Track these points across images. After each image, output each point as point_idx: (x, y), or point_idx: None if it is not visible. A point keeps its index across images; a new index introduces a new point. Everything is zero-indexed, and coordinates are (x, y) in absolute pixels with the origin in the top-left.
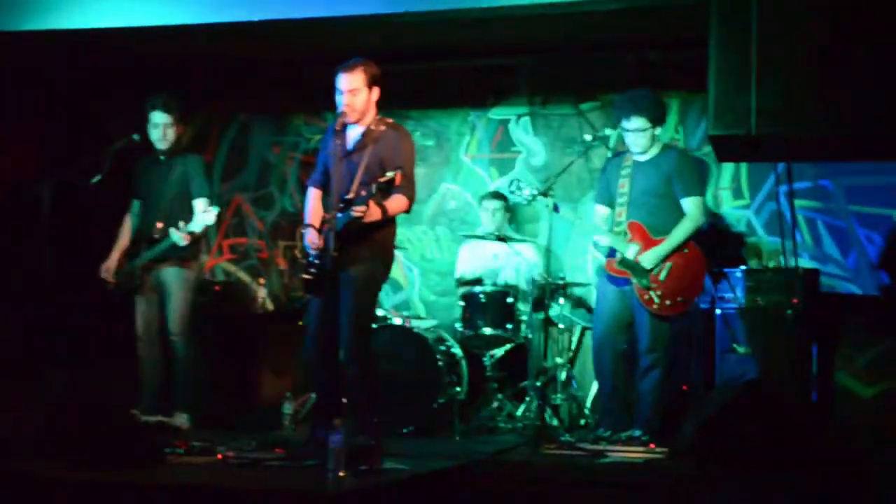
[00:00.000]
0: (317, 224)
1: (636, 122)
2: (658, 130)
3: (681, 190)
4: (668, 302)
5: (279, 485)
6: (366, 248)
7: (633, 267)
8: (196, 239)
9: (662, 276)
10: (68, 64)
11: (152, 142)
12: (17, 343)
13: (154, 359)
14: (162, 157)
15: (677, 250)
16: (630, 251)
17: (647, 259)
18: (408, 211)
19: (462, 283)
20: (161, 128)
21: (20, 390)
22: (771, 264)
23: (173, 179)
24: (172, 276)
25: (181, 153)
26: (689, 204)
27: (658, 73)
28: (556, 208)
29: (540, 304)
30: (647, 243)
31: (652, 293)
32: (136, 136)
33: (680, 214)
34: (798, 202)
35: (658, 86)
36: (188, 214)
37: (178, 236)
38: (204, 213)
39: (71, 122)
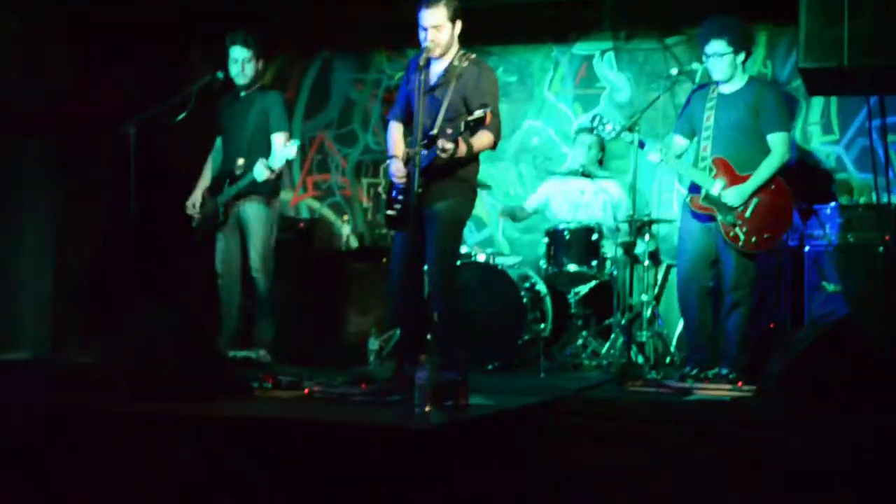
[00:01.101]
0: (400, 156)
1: (715, 46)
2: (740, 57)
3: (767, 124)
4: (753, 239)
5: (366, 419)
6: (450, 184)
7: (718, 203)
8: (277, 174)
9: (748, 212)
10: (149, 4)
11: (231, 77)
12: (105, 279)
13: (235, 294)
14: (242, 94)
15: (763, 186)
16: (715, 187)
17: (733, 195)
18: (494, 147)
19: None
20: (240, 63)
21: (108, 326)
22: (862, 200)
23: (252, 115)
24: (253, 212)
25: (261, 89)
26: (776, 139)
27: (746, 4)
28: (641, 144)
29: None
30: (733, 179)
31: (738, 230)
32: (219, 74)
33: (766, 149)
34: (891, 137)
35: (745, 18)
36: (269, 150)
37: (260, 171)
38: (284, 148)
39: (158, 62)
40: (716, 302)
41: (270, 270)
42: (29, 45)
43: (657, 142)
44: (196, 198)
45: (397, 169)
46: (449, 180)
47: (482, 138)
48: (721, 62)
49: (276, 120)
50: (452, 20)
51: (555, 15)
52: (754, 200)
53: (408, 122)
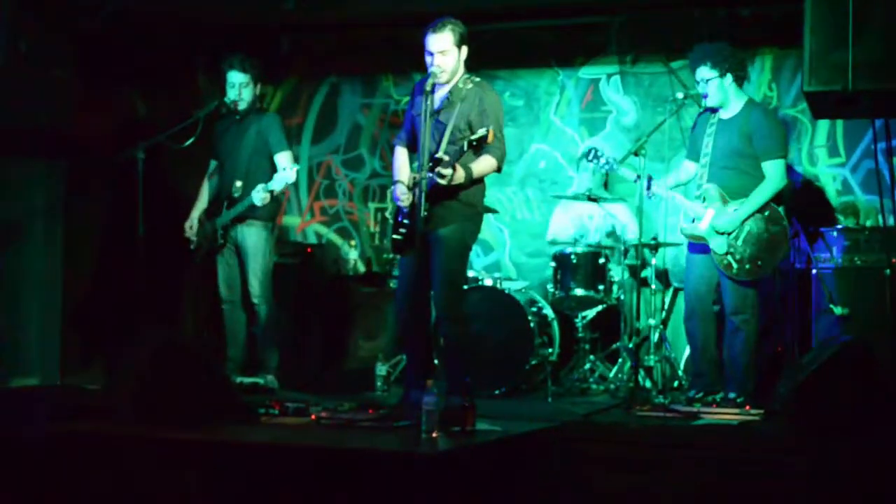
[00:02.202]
0: (405, 181)
1: (701, 72)
2: (728, 80)
3: (762, 151)
4: (747, 266)
5: (373, 445)
6: (455, 209)
7: (708, 234)
8: (276, 198)
9: (740, 240)
10: (159, 29)
11: (229, 102)
12: (113, 305)
13: (240, 319)
14: (238, 117)
15: (755, 213)
16: (706, 218)
17: (724, 222)
18: (498, 170)
19: (555, 245)
20: (237, 87)
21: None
22: (868, 223)
23: (250, 138)
24: (251, 237)
25: (258, 112)
26: (770, 166)
27: (750, 29)
28: (648, 184)
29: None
30: (725, 206)
31: (730, 258)
32: (227, 100)
33: (760, 175)
34: None
35: (750, 42)
36: (266, 173)
37: (259, 195)
38: (283, 172)
39: (166, 87)
40: (720, 327)
41: (270, 296)
42: (37, 68)
43: (663, 164)
44: (193, 220)
45: (402, 193)
46: (454, 204)
47: (483, 163)
48: (709, 87)
49: (277, 141)
50: (458, 45)
51: (560, 39)
52: (746, 228)
53: (413, 147)
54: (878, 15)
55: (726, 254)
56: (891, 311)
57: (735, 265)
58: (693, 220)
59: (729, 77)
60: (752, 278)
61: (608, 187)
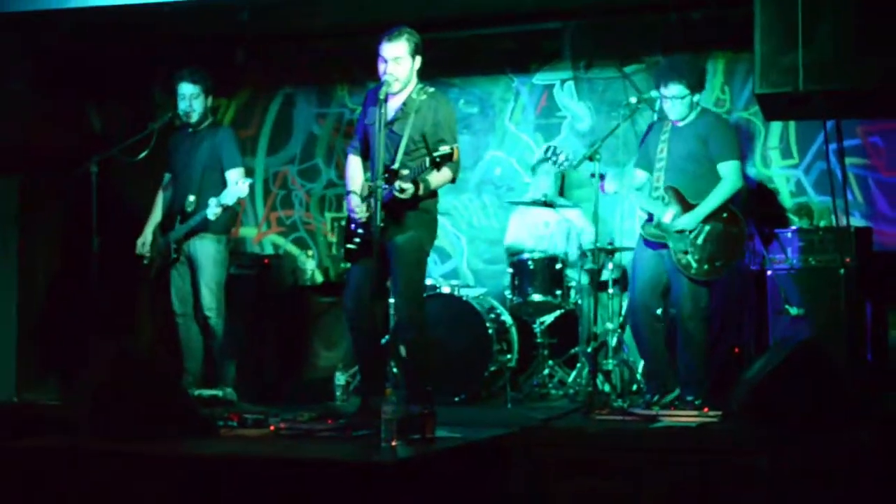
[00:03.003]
0: (358, 190)
1: (674, 89)
2: (697, 97)
3: (717, 154)
4: (705, 266)
5: (332, 455)
6: (410, 216)
7: (669, 231)
8: (229, 212)
9: (700, 239)
10: (115, 42)
11: (180, 114)
12: (68, 319)
13: (194, 333)
14: (190, 130)
15: (715, 214)
16: (667, 215)
17: (684, 222)
18: (453, 181)
19: (512, 253)
20: (188, 99)
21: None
22: (822, 224)
23: (203, 152)
24: (204, 250)
25: (212, 126)
26: (726, 168)
27: (702, 33)
28: (602, 178)
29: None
30: (685, 207)
31: (689, 257)
32: (180, 112)
33: (717, 178)
34: (848, 160)
35: (703, 46)
36: (220, 187)
37: (212, 210)
38: (236, 186)
39: (121, 100)
40: (669, 328)
41: (223, 308)
42: None
43: (618, 168)
44: (147, 236)
45: (356, 205)
46: (409, 212)
47: (441, 176)
48: (679, 104)
49: (230, 156)
50: (413, 55)
51: (515, 46)
52: (706, 228)
53: (366, 156)
54: (827, 16)
55: (685, 252)
56: (845, 310)
57: (694, 265)
58: (652, 219)
59: (698, 95)
60: (709, 278)
61: (564, 193)
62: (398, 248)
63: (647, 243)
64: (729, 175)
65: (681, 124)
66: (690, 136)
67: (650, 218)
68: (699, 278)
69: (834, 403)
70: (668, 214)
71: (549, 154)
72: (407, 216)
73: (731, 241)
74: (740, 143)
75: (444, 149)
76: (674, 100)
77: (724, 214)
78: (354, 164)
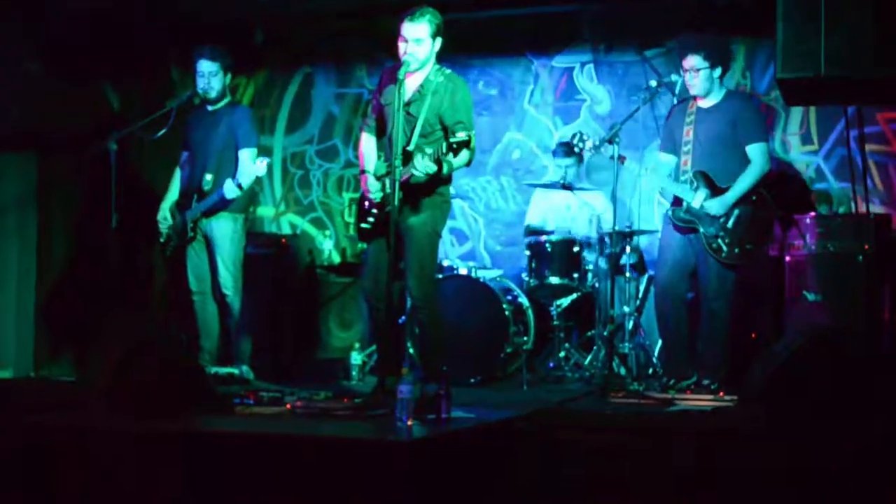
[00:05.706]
0: (372, 170)
1: (692, 61)
2: (717, 72)
3: (745, 136)
4: (736, 250)
5: (348, 434)
6: (425, 197)
7: (699, 215)
8: (246, 191)
9: (730, 223)
10: (137, 19)
11: (199, 92)
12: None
13: (211, 311)
14: (209, 108)
15: (745, 198)
16: (696, 199)
17: (715, 205)
18: (468, 164)
19: (530, 231)
20: (206, 77)
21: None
22: (841, 210)
23: (221, 131)
24: (221, 229)
25: (230, 105)
26: (755, 150)
27: (723, 17)
28: (622, 159)
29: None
30: (714, 191)
31: (720, 241)
32: (199, 90)
33: (745, 160)
34: (868, 147)
35: (724, 31)
36: (236, 166)
37: (230, 189)
38: (253, 165)
39: (139, 78)
40: (692, 313)
41: (240, 287)
42: (8, 62)
43: (637, 152)
44: (165, 212)
45: (372, 185)
46: (423, 194)
47: (461, 157)
48: (698, 77)
49: (245, 136)
50: (434, 36)
51: (535, 28)
52: (736, 211)
53: (380, 134)
54: (849, 2)
55: (716, 236)
56: (863, 297)
57: (725, 248)
58: (680, 203)
59: (719, 70)
60: (740, 262)
61: (584, 176)
62: (412, 229)
63: (676, 227)
64: (758, 158)
65: (706, 106)
66: (718, 118)
67: (677, 202)
68: (730, 262)
69: (850, 392)
70: (698, 199)
71: (575, 140)
72: (421, 197)
73: (762, 224)
74: (768, 124)
75: (461, 135)
76: (692, 72)
77: (754, 198)
78: (368, 143)
